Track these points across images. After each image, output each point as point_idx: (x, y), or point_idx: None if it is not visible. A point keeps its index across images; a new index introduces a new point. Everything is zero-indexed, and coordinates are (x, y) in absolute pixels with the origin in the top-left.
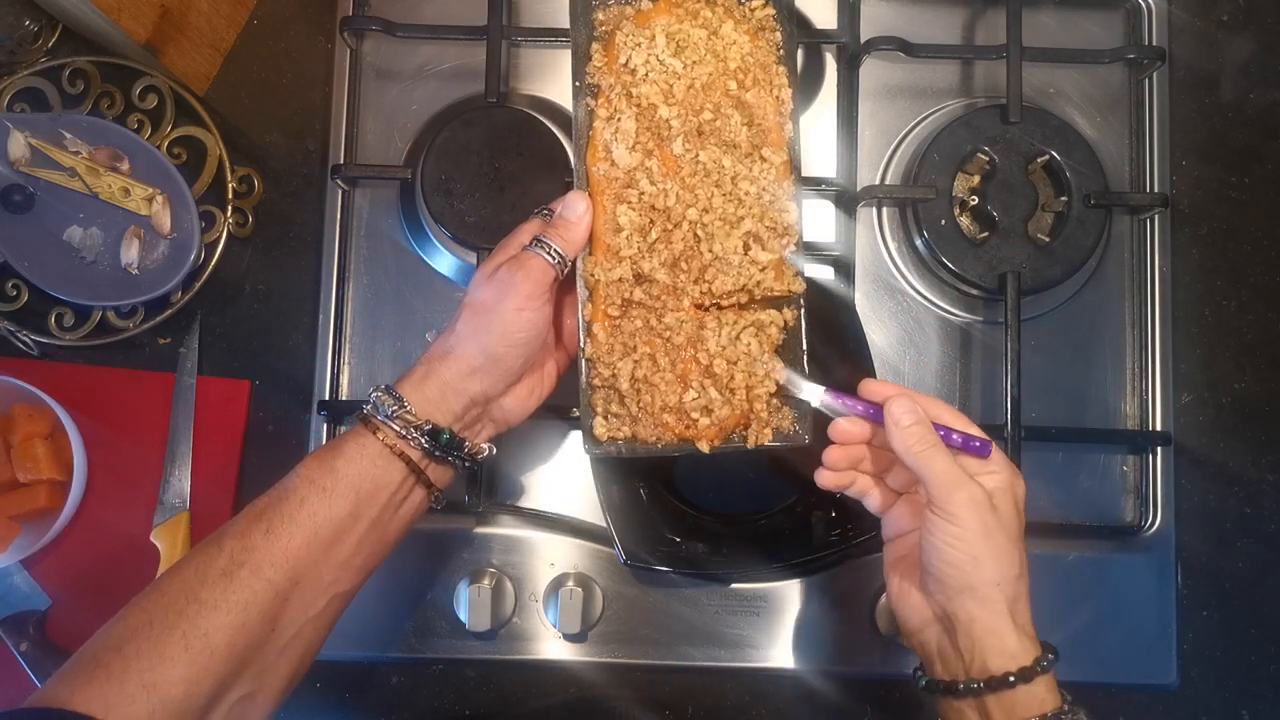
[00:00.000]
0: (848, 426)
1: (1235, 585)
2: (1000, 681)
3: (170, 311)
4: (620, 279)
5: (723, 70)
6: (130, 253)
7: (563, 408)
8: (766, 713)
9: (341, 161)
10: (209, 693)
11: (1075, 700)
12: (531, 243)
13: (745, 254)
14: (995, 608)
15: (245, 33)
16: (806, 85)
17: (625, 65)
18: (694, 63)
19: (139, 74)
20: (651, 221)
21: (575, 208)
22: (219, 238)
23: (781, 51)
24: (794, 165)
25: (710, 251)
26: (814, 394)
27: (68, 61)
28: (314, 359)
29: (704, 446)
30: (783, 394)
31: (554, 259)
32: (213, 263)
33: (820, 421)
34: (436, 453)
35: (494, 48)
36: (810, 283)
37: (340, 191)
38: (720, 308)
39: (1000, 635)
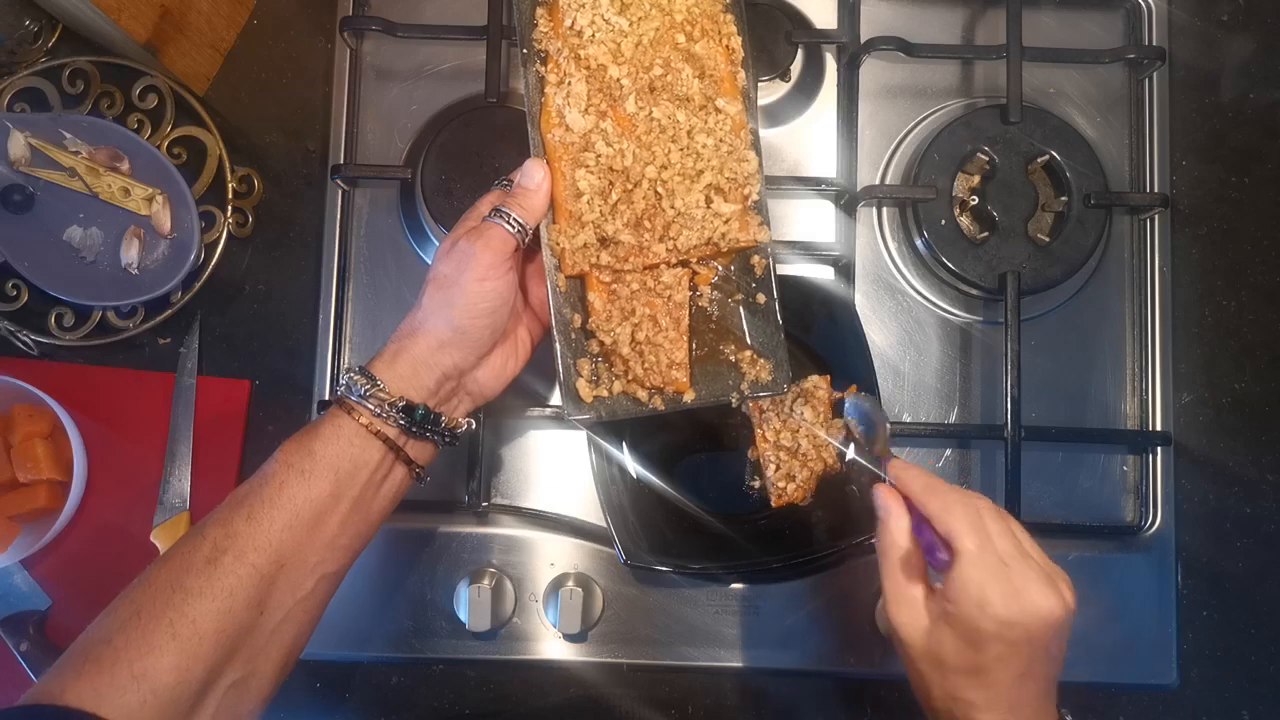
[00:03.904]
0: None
1: (1235, 585)
2: None
3: (170, 311)
4: (585, 244)
5: (670, 24)
6: (130, 253)
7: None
8: (766, 713)
9: (341, 161)
10: (200, 679)
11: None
12: (491, 213)
13: (708, 207)
14: None
15: (245, 33)
16: (806, 85)
17: (571, 28)
18: (640, 19)
19: (139, 74)
20: (611, 183)
21: (533, 175)
22: (219, 238)
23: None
24: (750, 114)
25: (672, 208)
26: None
27: (68, 61)
28: (314, 359)
29: (688, 398)
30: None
31: (514, 228)
32: (213, 263)
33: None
34: (413, 429)
35: (494, 48)
36: (810, 282)
37: (340, 191)
38: (689, 263)
39: None
